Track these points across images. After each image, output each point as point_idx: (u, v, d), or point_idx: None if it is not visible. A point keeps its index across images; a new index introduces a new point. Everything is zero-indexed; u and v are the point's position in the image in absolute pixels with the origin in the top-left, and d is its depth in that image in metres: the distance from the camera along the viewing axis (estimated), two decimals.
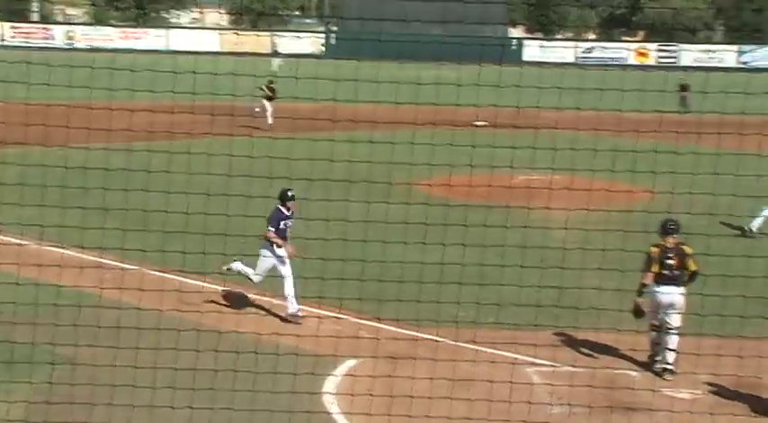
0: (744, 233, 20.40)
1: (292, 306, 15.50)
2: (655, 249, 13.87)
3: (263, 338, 13.56)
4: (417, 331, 14.64)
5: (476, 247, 14.75)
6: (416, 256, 14.26)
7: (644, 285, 13.82)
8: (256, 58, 59.94)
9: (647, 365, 14.05)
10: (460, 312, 14.77)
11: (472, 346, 14.12)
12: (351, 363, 13.77)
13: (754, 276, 13.74)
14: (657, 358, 13.99)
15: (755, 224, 21.05)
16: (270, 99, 38.06)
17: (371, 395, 11.81)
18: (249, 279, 15.95)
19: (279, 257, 15.53)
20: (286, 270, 15.49)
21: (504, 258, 14.58)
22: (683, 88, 44.65)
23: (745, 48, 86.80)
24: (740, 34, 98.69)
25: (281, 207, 15.65)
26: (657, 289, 13.84)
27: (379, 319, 15.36)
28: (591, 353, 14.43)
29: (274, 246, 15.51)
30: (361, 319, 15.53)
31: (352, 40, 63.46)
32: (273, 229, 15.48)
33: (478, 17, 63.63)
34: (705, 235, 13.70)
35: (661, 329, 13.92)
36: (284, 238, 15.60)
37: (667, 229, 13.95)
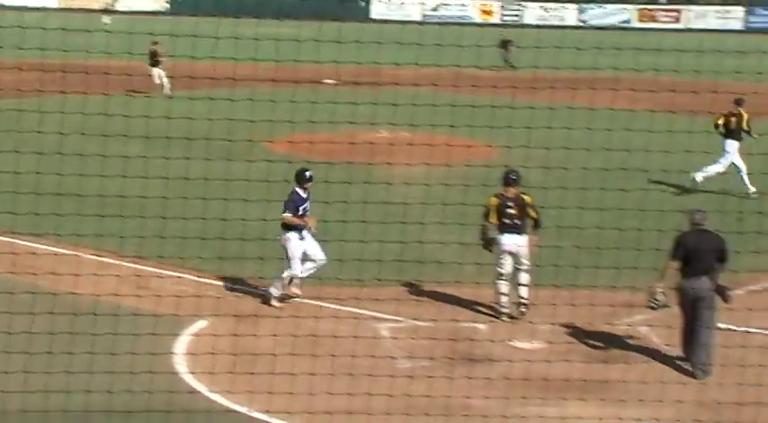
0: (689, 188, 21.24)
1: (277, 289, 14.50)
2: (494, 199, 14.25)
3: (102, 300, 13.24)
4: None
5: (319, 203, 14.76)
6: (259, 214, 14.13)
7: (484, 231, 14.22)
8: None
9: (489, 317, 14.34)
10: (321, 269, 14.74)
11: (316, 303, 14.15)
12: (195, 322, 13.60)
13: (586, 228, 14.14)
14: (506, 308, 14.32)
15: (699, 175, 21.91)
16: (154, 64, 36.53)
17: (213, 354, 11.69)
18: (294, 277, 14.60)
19: (300, 239, 14.47)
20: (319, 252, 14.53)
21: (346, 214, 14.64)
22: (504, 44, 45.29)
23: (585, 6, 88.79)
24: None
25: (298, 189, 14.51)
26: (500, 237, 14.23)
27: (222, 278, 15.22)
28: (435, 306, 14.62)
29: (291, 231, 14.38)
30: (204, 278, 15.35)
31: None
32: (291, 214, 14.34)
33: None
34: (542, 188, 14.05)
35: (506, 278, 14.28)
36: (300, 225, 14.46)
37: (508, 179, 14.30)
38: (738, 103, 22.38)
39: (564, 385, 11.60)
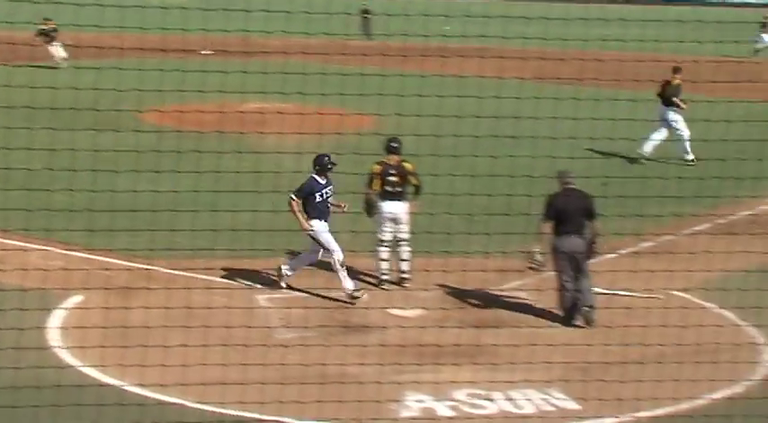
0: (637, 159, 21.83)
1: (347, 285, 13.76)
2: (377, 166, 14.39)
3: None
4: (148, 264, 14.26)
5: (190, 174, 14.43)
6: (128, 185, 13.76)
7: (369, 198, 14.32)
8: None
9: (367, 284, 14.36)
10: (195, 241, 14.44)
11: (190, 275, 13.90)
12: (66, 297, 13.19)
13: (458, 195, 14.23)
14: (386, 275, 14.39)
15: (647, 149, 22.36)
16: (48, 42, 35.42)
17: (85, 328, 11.36)
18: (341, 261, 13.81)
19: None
20: (332, 243, 13.78)
21: (218, 184, 14.39)
22: (365, 13, 45.30)
23: None
24: None
25: (315, 176, 13.94)
26: (382, 204, 14.35)
27: (92, 251, 14.79)
28: (312, 275, 14.52)
29: (313, 219, 13.77)
30: (73, 251, 14.90)
31: None
32: (296, 200, 13.76)
33: None
34: (415, 156, 14.11)
35: (387, 245, 14.37)
36: (324, 211, 13.87)
37: (390, 147, 14.46)
38: (675, 71, 23.03)
39: (438, 351, 11.68)
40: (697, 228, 17.06)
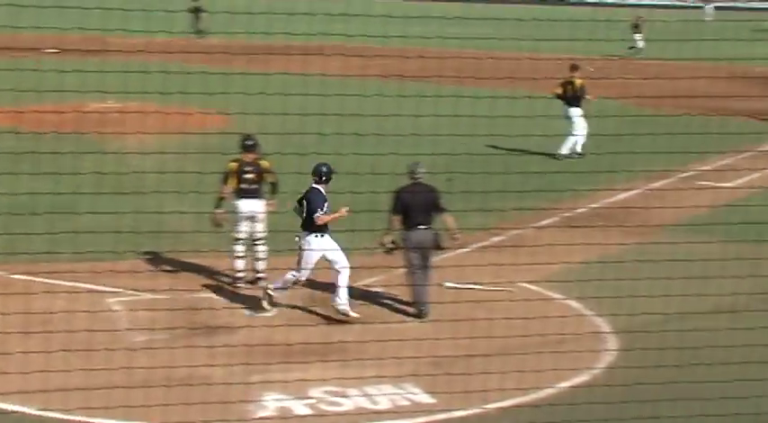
0: (556, 158, 21.98)
1: (342, 301, 13.20)
2: (233, 164, 14.35)
3: None
4: None
5: (49, 176, 14.24)
6: None
7: (221, 198, 14.25)
8: None
9: (229, 285, 14.38)
10: (34, 246, 14.22)
11: (50, 280, 13.68)
12: None
13: None
14: (241, 274, 14.39)
15: (564, 149, 22.56)
16: None
17: None
18: (294, 282, 13.45)
19: (328, 246, 13.32)
20: (342, 258, 13.23)
21: (79, 187, 14.20)
22: (196, 10, 44.57)
23: None
24: None
25: (317, 187, 13.36)
26: (238, 202, 14.32)
27: None
28: (172, 278, 14.50)
29: (315, 235, 13.21)
30: None
31: None
32: (323, 212, 13.11)
33: None
34: (279, 154, 14.16)
35: (243, 243, 14.36)
36: (326, 224, 13.33)
37: (245, 145, 14.43)
38: (573, 69, 23.45)
39: (291, 350, 11.73)
40: (543, 221, 17.50)
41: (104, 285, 13.59)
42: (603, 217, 17.52)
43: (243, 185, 14.29)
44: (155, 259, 15.08)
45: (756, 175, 20.24)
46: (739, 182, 19.99)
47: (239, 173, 14.27)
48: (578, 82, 23.30)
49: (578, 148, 22.73)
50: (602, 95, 22.73)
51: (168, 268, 14.77)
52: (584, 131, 22.74)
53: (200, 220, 14.17)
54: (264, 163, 14.42)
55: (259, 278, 14.40)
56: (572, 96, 23.18)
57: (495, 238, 16.23)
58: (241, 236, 14.36)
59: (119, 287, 13.70)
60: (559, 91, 23.19)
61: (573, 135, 22.74)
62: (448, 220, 13.47)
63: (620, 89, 23.90)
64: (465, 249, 15.29)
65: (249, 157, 14.37)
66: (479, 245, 15.76)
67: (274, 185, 14.45)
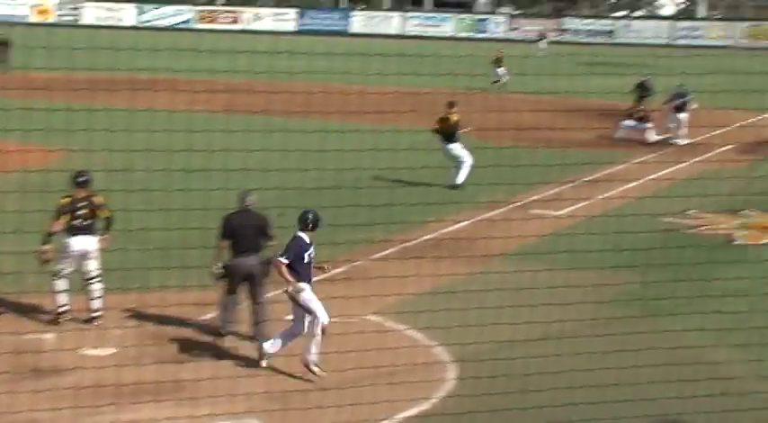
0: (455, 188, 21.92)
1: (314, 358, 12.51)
2: (65, 200, 14.01)
3: None
4: None
5: None
6: None
7: (50, 234, 13.88)
8: None
9: (57, 325, 13.94)
10: None
11: None
12: None
13: (153, 229, 14.18)
14: (64, 308, 14.00)
15: (460, 178, 22.42)
16: None
17: None
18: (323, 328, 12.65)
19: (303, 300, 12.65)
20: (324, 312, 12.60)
21: None
22: (4, 43, 43.61)
23: (145, 7, 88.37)
24: None
25: (302, 234, 12.77)
26: (69, 239, 14.01)
27: None
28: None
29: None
30: None
31: None
32: (287, 261, 12.51)
33: None
34: (107, 191, 13.90)
35: (68, 278, 13.99)
36: (309, 273, 12.75)
37: (76, 181, 14.12)
38: (450, 105, 23.60)
39: (137, 389, 11.51)
40: (382, 253, 17.70)
41: None
42: (441, 247, 17.82)
43: (75, 222, 13.98)
44: None
45: (581, 204, 20.94)
46: (565, 211, 20.64)
47: (71, 209, 13.93)
48: (454, 118, 23.79)
49: (459, 181, 23.26)
50: (417, 127, 23.16)
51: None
52: (469, 163, 23.22)
53: (22, 260, 13.71)
54: (97, 199, 14.16)
55: (95, 317, 14.04)
56: (449, 132, 23.67)
57: (334, 271, 16.29)
58: (65, 272, 14.01)
59: None
60: (437, 127, 23.68)
61: (463, 165, 23.26)
62: (275, 248, 13.43)
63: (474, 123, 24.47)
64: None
65: (81, 193, 14.07)
66: (323, 276, 15.79)
67: (109, 221, 14.19)
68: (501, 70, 43.03)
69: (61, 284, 14.04)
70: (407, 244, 18.16)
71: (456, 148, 23.67)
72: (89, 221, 14.06)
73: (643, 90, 34.28)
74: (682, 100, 30.70)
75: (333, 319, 13.22)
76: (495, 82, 42.19)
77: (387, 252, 17.74)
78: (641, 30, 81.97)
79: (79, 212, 13.99)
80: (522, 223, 17.09)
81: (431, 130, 23.64)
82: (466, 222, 19.65)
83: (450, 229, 19.25)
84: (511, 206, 20.48)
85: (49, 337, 13.58)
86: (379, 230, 17.04)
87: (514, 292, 13.15)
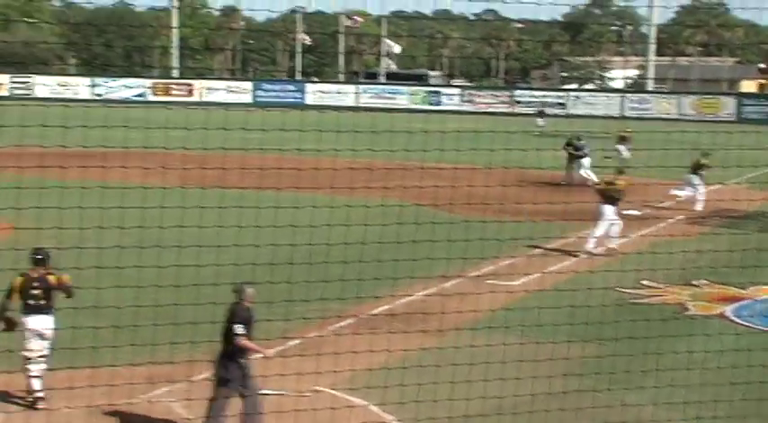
0: None
1: None
2: (19, 279, 13.74)
3: None
4: None
5: None
6: None
7: (2, 313, 13.65)
8: None
9: (31, 406, 13.72)
10: None
11: None
12: None
13: (106, 306, 14.06)
14: (40, 393, 13.71)
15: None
16: None
17: None
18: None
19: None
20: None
21: None
22: None
23: (98, 80, 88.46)
24: (92, 67, 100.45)
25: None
26: (24, 319, 13.70)
27: None
28: None
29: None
30: None
31: None
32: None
33: None
34: (76, 269, 13.78)
35: (35, 361, 13.70)
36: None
37: (34, 258, 13.91)
38: (619, 172, 25.62)
39: None
40: (340, 324, 17.67)
41: None
42: (396, 320, 17.79)
43: (30, 301, 13.66)
44: None
45: (534, 275, 21.04)
46: (519, 282, 20.71)
47: (25, 288, 13.66)
48: (620, 184, 25.34)
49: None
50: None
51: None
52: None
53: None
54: (52, 278, 13.83)
55: (39, 398, 13.71)
56: (610, 196, 24.99)
57: (293, 343, 16.24)
58: (31, 355, 13.69)
59: None
60: (602, 187, 25.34)
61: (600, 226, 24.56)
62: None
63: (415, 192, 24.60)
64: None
65: (38, 271, 13.80)
66: (279, 349, 15.73)
67: (69, 294, 13.92)
68: (622, 147, 42.27)
69: (33, 369, 13.69)
70: (362, 317, 18.13)
71: (609, 212, 24.64)
72: (44, 301, 13.72)
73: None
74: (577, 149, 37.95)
75: (286, 393, 13.13)
76: (607, 158, 40.55)
77: (340, 325, 17.68)
78: (593, 103, 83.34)
79: (33, 291, 13.67)
80: (475, 295, 17.11)
81: (595, 188, 25.24)
82: (420, 294, 19.66)
83: (404, 301, 19.25)
84: (465, 278, 20.53)
85: (3, 416, 13.32)
86: (334, 303, 17.03)
87: (469, 365, 13.15)
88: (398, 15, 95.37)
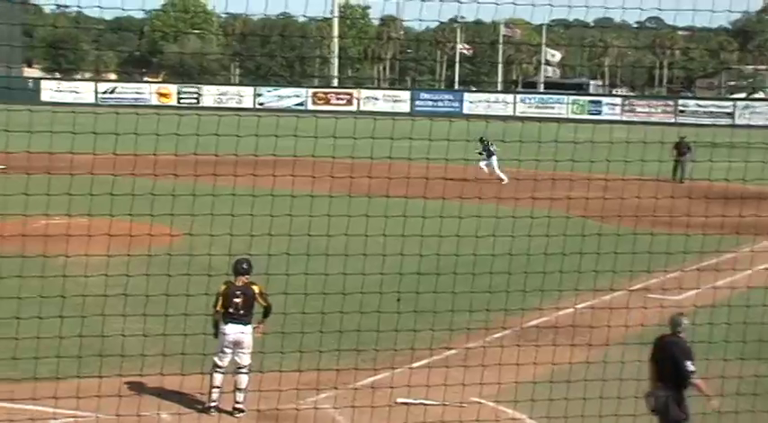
0: None
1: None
2: (223, 287, 14.02)
3: None
4: None
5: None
6: None
7: (216, 323, 13.95)
8: None
9: (179, 407, 14.01)
10: None
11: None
12: None
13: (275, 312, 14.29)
14: (215, 403, 13.97)
15: None
16: None
17: None
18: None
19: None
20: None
21: (20, 309, 13.98)
22: None
23: (261, 90, 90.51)
24: (255, 77, 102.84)
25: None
26: (224, 327, 13.93)
27: None
28: (116, 398, 14.10)
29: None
30: None
31: None
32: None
33: None
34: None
35: (226, 370, 13.94)
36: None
37: (237, 268, 14.12)
38: None
39: None
40: (501, 335, 17.49)
41: (46, 406, 13.23)
42: (551, 332, 17.51)
43: (230, 310, 13.89)
44: (98, 381, 14.66)
45: (702, 290, 20.42)
46: (684, 296, 20.14)
47: (228, 296, 13.91)
48: None
49: None
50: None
51: (112, 390, 14.39)
52: None
53: (146, 341, 13.92)
54: (256, 288, 14.08)
55: (237, 408, 13.96)
56: None
57: (447, 353, 16.16)
58: (221, 363, 13.94)
59: (59, 408, 13.32)
60: None
61: None
62: None
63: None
64: (416, 365, 15.23)
65: (241, 280, 14.04)
66: (436, 358, 15.71)
67: (266, 310, 14.10)
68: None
69: (218, 379, 13.94)
70: (519, 328, 17.92)
71: None
72: (243, 310, 13.94)
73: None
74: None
75: (447, 404, 13.08)
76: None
77: (502, 335, 17.51)
78: (762, 112, 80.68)
79: (235, 300, 13.89)
80: (640, 309, 16.69)
81: None
82: (582, 307, 19.31)
83: (564, 312, 18.96)
84: (629, 291, 20.07)
85: (169, 417, 13.65)
86: (496, 314, 16.88)
87: (635, 381, 12.82)
88: (558, 24, 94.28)
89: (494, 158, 39.82)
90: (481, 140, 39.89)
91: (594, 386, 12.75)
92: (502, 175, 38.32)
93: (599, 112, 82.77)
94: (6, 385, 13.63)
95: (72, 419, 13.32)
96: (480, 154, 39.40)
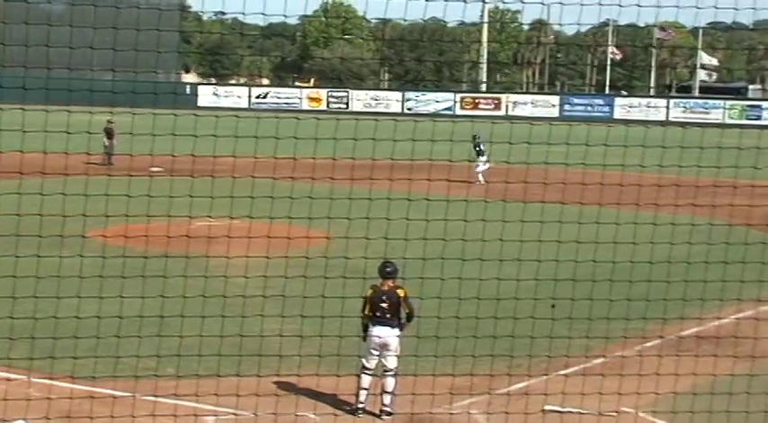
0: None
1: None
2: (370, 291, 14.06)
3: None
4: (93, 386, 14.03)
5: (155, 297, 14.41)
6: (92, 310, 13.69)
7: (365, 326, 14.02)
8: None
9: (332, 409, 14.16)
10: (140, 364, 14.34)
11: (152, 399, 13.73)
12: None
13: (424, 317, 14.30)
14: (362, 404, 14.03)
15: None
16: None
17: None
18: None
19: None
20: None
21: (184, 308, 14.37)
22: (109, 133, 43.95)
23: (408, 94, 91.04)
24: (404, 81, 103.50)
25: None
26: (371, 330, 13.97)
27: (51, 377, 14.57)
28: (274, 398, 14.37)
29: None
30: (31, 377, 14.66)
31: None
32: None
33: (151, 63, 62.85)
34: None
35: (374, 373, 14.00)
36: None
37: (383, 272, 14.10)
38: None
39: None
40: (647, 344, 17.10)
41: (204, 404, 13.55)
42: (711, 342, 17.07)
43: (377, 314, 13.88)
44: (256, 380, 14.97)
45: None
46: None
47: (374, 300, 13.92)
48: None
49: None
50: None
51: (269, 389, 14.68)
52: None
53: (301, 342, 14.12)
54: (401, 292, 14.02)
55: (384, 410, 13.93)
56: None
57: (597, 361, 15.92)
58: (369, 365, 13.95)
59: (219, 406, 13.64)
60: None
61: None
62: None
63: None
64: (564, 372, 15.04)
65: (387, 284, 13.99)
66: (581, 367, 15.47)
67: (409, 315, 14.02)
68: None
69: (366, 380, 13.97)
70: (673, 337, 17.49)
71: None
72: (389, 314, 13.92)
73: None
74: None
75: (589, 412, 12.87)
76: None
77: (645, 346, 17.10)
78: None
79: (382, 304, 13.89)
80: None
81: None
82: (732, 317, 18.74)
83: (714, 324, 18.43)
84: None
85: (321, 419, 13.81)
86: (638, 323, 16.54)
87: None
88: (715, 26, 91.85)
89: (482, 158, 39.47)
90: (473, 138, 39.68)
91: (758, 399, 12.36)
92: (480, 177, 38.52)
93: (759, 117, 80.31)
94: (169, 382, 14.01)
95: (232, 417, 13.59)
96: (478, 154, 39.41)
